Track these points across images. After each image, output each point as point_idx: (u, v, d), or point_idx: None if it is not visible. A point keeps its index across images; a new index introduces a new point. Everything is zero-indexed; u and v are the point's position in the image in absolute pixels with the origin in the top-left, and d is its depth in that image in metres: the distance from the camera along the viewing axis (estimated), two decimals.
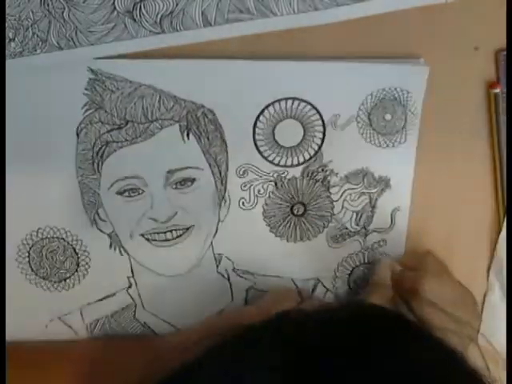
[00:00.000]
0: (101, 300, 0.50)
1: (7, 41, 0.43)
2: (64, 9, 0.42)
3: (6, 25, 0.42)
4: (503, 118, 0.48)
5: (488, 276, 0.54)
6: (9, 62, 0.43)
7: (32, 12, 0.42)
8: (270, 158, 0.48)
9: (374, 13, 0.44)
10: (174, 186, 0.47)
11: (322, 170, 0.49)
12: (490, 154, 0.50)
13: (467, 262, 0.53)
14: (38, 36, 0.43)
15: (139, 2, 0.43)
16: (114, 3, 0.43)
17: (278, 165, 0.48)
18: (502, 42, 0.47)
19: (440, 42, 0.47)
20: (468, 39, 0.47)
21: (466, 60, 0.48)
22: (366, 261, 0.52)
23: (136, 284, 0.50)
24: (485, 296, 0.54)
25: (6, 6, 0.42)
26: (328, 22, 0.44)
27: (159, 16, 0.43)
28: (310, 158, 0.48)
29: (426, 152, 0.49)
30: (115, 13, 0.43)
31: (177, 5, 0.43)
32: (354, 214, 0.50)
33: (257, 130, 0.47)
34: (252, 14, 0.44)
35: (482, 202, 0.52)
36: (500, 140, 0.49)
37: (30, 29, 0.43)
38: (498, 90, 0.48)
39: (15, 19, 0.42)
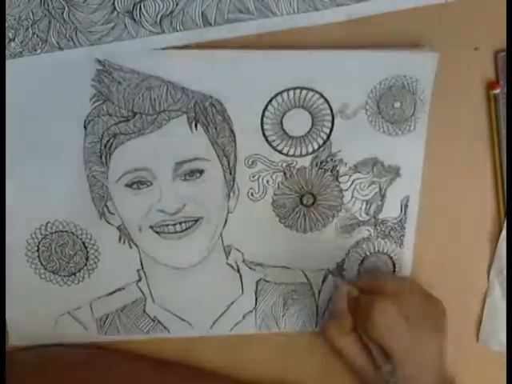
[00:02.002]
0: (110, 294, 0.50)
1: (7, 41, 0.42)
2: (64, 9, 0.42)
3: (6, 25, 0.42)
4: (503, 118, 0.48)
5: (488, 276, 0.54)
6: (9, 62, 0.43)
7: (32, 12, 0.42)
8: (279, 148, 0.48)
9: (373, 13, 0.44)
10: (183, 178, 0.47)
11: (331, 159, 0.49)
12: (490, 154, 0.50)
13: (467, 262, 0.53)
14: (37, 36, 0.43)
15: (139, 2, 0.43)
16: (113, 3, 0.42)
17: (286, 155, 0.48)
18: (502, 42, 0.47)
19: (440, 42, 0.47)
20: (468, 39, 0.47)
21: (466, 60, 0.48)
22: (377, 250, 0.52)
23: (146, 277, 0.50)
24: (485, 296, 0.54)
25: (6, 5, 0.42)
26: (328, 21, 0.44)
27: (159, 16, 0.43)
28: (319, 147, 0.48)
29: (425, 152, 0.49)
30: (115, 13, 0.43)
31: (177, 5, 0.43)
32: (364, 204, 0.50)
33: (265, 119, 0.47)
34: (252, 14, 0.43)
35: (482, 201, 0.52)
36: (500, 140, 0.49)
37: (29, 29, 0.42)
38: (497, 91, 0.48)
39: (15, 19, 0.42)
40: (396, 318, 0.45)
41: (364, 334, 0.46)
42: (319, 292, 0.52)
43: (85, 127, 0.46)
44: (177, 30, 0.43)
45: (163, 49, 0.44)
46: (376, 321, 0.44)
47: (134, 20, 0.43)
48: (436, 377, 0.47)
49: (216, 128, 0.47)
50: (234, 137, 0.47)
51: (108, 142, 0.46)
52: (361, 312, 0.46)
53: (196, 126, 0.46)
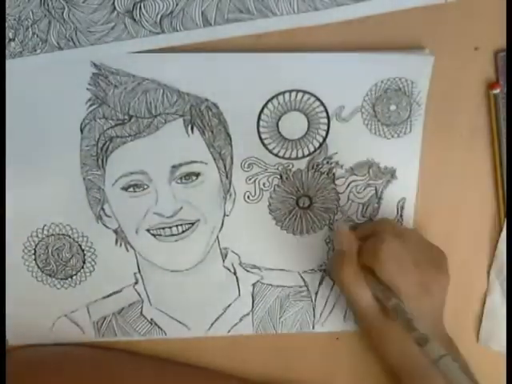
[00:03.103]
0: (107, 297, 0.50)
1: (7, 41, 0.43)
2: (64, 9, 0.42)
3: (6, 25, 0.42)
4: (503, 118, 0.48)
5: (488, 276, 0.54)
6: (9, 62, 0.43)
7: (32, 12, 0.42)
8: (275, 151, 0.48)
9: (373, 13, 0.44)
10: (179, 181, 0.47)
11: (327, 162, 0.49)
12: (490, 154, 0.50)
13: (467, 262, 0.53)
14: (37, 36, 0.43)
15: (139, 1, 0.43)
16: (113, 3, 0.42)
17: (282, 157, 0.48)
18: (502, 42, 0.47)
19: (440, 42, 0.47)
20: (468, 39, 0.47)
21: (466, 60, 0.48)
22: None
23: (143, 280, 0.50)
24: (485, 296, 0.54)
25: (6, 5, 0.42)
26: (328, 21, 0.44)
27: (159, 16, 0.43)
28: (315, 150, 0.48)
29: (425, 152, 0.49)
30: (115, 13, 0.43)
31: (177, 5, 0.43)
32: (360, 206, 0.50)
33: (261, 122, 0.47)
34: (252, 14, 0.43)
35: (482, 202, 0.52)
36: (500, 140, 0.49)
37: (29, 29, 0.42)
38: (497, 91, 0.48)
39: (15, 19, 0.42)
40: (404, 254, 0.45)
41: (371, 272, 0.45)
42: (316, 294, 0.52)
43: (81, 130, 0.46)
44: (177, 30, 0.43)
45: (159, 52, 0.44)
46: (385, 256, 0.44)
47: (134, 20, 0.43)
48: (437, 324, 0.47)
49: (212, 131, 0.47)
50: (230, 140, 0.47)
51: (104, 145, 0.46)
52: (368, 249, 0.46)
53: (192, 129, 0.47)
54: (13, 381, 0.43)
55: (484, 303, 0.54)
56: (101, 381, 0.48)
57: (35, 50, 0.43)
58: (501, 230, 0.52)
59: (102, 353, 0.52)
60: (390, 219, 0.50)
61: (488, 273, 0.54)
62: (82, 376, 0.48)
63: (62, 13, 0.42)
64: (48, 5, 0.42)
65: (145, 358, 0.52)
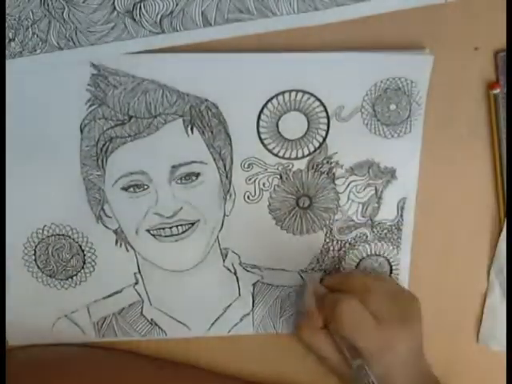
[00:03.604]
0: (108, 297, 0.50)
1: (7, 41, 0.43)
2: (64, 9, 0.42)
3: (6, 25, 0.42)
4: (503, 118, 0.48)
5: (488, 276, 0.54)
6: (9, 62, 0.43)
7: (32, 12, 0.42)
8: (275, 151, 0.48)
9: (373, 13, 0.44)
10: (179, 181, 0.47)
11: (327, 162, 0.49)
12: (490, 154, 0.50)
13: (467, 262, 0.53)
14: (37, 36, 0.43)
15: (139, 1, 0.43)
16: (113, 3, 0.42)
17: (282, 157, 0.48)
18: (502, 42, 0.47)
19: (440, 42, 0.47)
20: (468, 39, 0.47)
21: (466, 60, 0.48)
22: (374, 252, 0.52)
23: (143, 280, 0.50)
24: (485, 296, 0.54)
25: (6, 5, 0.42)
26: (328, 21, 0.44)
27: (159, 16, 0.43)
28: (315, 150, 0.48)
29: (425, 152, 0.49)
30: (115, 13, 0.43)
31: (177, 5, 0.43)
32: (360, 206, 0.50)
33: (261, 122, 0.47)
34: (252, 14, 0.43)
35: (482, 201, 0.52)
36: (500, 140, 0.49)
37: (29, 29, 0.42)
38: (497, 91, 0.48)
39: (15, 19, 0.42)
40: (363, 315, 0.44)
41: (333, 331, 0.46)
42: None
43: (81, 131, 0.46)
44: (177, 30, 0.43)
45: (158, 52, 0.44)
46: (342, 318, 0.44)
47: (134, 20, 0.43)
48: (411, 376, 0.45)
49: (212, 131, 0.47)
50: (230, 140, 0.47)
51: (104, 145, 0.46)
52: (327, 310, 0.45)
53: (192, 129, 0.46)
54: (13, 381, 0.43)
55: (484, 303, 0.54)
56: (101, 381, 0.48)
57: (35, 50, 0.43)
58: (501, 230, 0.52)
59: (102, 353, 0.52)
60: (358, 272, 0.51)
61: (488, 273, 0.54)
62: (83, 376, 0.48)
63: (62, 13, 0.42)
64: (48, 5, 0.42)
65: (145, 358, 0.52)
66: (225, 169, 0.48)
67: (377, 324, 0.44)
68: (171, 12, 0.43)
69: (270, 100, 0.46)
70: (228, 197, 0.49)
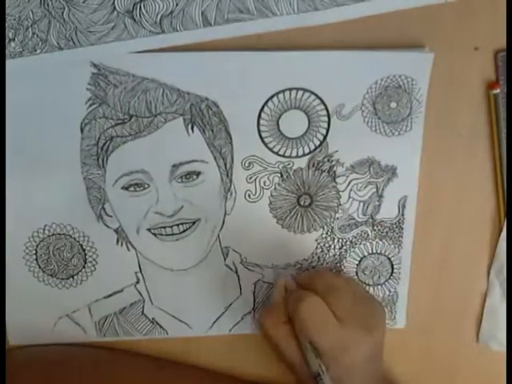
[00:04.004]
0: (109, 296, 0.50)
1: (7, 41, 0.43)
2: (64, 9, 0.42)
3: (6, 25, 0.42)
4: (503, 118, 0.48)
5: (488, 276, 0.54)
6: (9, 62, 0.43)
7: (32, 12, 0.42)
8: (275, 150, 0.48)
9: (373, 13, 0.44)
10: (180, 180, 0.47)
11: (328, 160, 0.49)
12: (490, 154, 0.50)
13: (467, 262, 0.53)
14: (37, 36, 0.43)
15: (139, 1, 0.43)
16: (114, 3, 0.42)
17: (283, 156, 0.48)
18: (502, 42, 0.47)
19: (440, 41, 0.47)
20: (468, 39, 0.47)
21: (466, 60, 0.48)
22: (375, 251, 0.52)
23: (144, 279, 0.50)
24: (485, 296, 0.54)
25: (6, 5, 0.42)
26: (328, 21, 0.44)
27: (159, 16, 0.43)
28: (316, 148, 0.48)
29: (425, 152, 0.49)
30: (115, 13, 0.43)
31: (177, 5, 0.43)
32: (361, 204, 0.50)
33: (261, 121, 0.47)
34: (252, 14, 0.43)
35: (482, 201, 0.52)
36: (500, 140, 0.49)
37: (30, 29, 0.42)
38: (497, 91, 0.48)
39: (15, 19, 0.42)
40: (325, 314, 0.44)
41: (295, 329, 0.45)
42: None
43: (81, 130, 0.46)
44: (177, 30, 0.43)
45: (159, 51, 0.44)
46: (303, 316, 0.43)
47: (134, 20, 0.43)
48: (368, 380, 0.45)
49: (212, 130, 0.47)
50: (231, 138, 0.47)
51: (104, 144, 0.46)
52: (290, 306, 0.45)
53: (192, 128, 0.46)
54: (13, 380, 0.43)
55: (484, 303, 0.54)
56: (102, 381, 0.48)
57: (35, 50, 0.43)
58: (501, 230, 0.52)
59: (104, 352, 0.52)
60: (324, 271, 0.50)
61: (488, 273, 0.54)
62: (83, 376, 0.48)
63: (62, 13, 0.42)
64: (48, 5, 0.42)
65: (146, 358, 0.52)
66: (225, 167, 0.48)
67: (338, 324, 0.43)
68: (171, 12, 0.43)
69: (270, 98, 0.46)
70: (229, 195, 0.49)
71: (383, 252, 0.52)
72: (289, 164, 0.48)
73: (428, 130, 0.49)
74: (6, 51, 0.43)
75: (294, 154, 0.48)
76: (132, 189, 0.47)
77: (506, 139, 0.49)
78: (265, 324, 0.47)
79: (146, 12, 0.43)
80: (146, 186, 0.47)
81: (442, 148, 0.50)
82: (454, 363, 0.55)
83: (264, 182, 0.49)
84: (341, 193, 0.50)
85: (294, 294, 0.46)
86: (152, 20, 0.43)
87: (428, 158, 0.49)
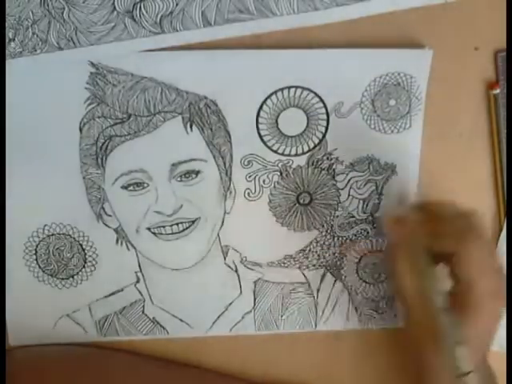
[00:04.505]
0: (109, 296, 0.50)
1: (7, 41, 0.43)
2: (64, 9, 0.42)
3: (6, 25, 0.42)
4: (503, 118, 0.48)
5: None
6: (9, 62, 0.43)
7: (32, 12, 0.42)
8: (275, 148, 0.48)
9: (373, 13, 0.44)
10: (179, 179, 0.47)
11: (327, 158, 0.49)
12: (490, 154, 0.50)
13: None
14: (37, 36, 0.43)
15: (139, 1, 0.43)
16: (113, 3, 0.43)
17: (282, 154, 0.48)
18: (502, 42, 0.47)
19: (440, 42, 0.47)
20: (468, 39, 0.47)
21: (466, 60, 0.48)
22: (374, 249, 0.52)
23: (144, 278, 0.50)
24: None
25: (6, 5, 0.42)
26: (328, 21, 0.44)
27: (159, 16, 0.43)
28: (315, 146, 0.48)
29: (425, 152, 0.49)
30: (115, 13, 0.43)
31: (177, 5, 0.43)
32: (361, 202, 0.50)
33: (260, 119, 0.47)
34: (252, 14, 0.43)
35: (482, 201, 0.52)
36: (500, 140, 0.49)
37: (29, 29, 0.43)
38: (497, 91, 0.48)
39: (15, 19, 0.42)
40: (491, 257, 0.42)
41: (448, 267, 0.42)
42: (318, 291, 0.52)
43: (80, 130, 0.46)
44: (177, 30, 0.43)
45: (157, 50, 0.44)
46: (473, 254, 0.41)
47: (134, 20, 0.43)
48: (485, 350, 0.44)
49: (211, 129, 0.47)
50: (230, 137, 0.47)
51: (103, 144, 0.46)
52: (451, 240, 0.42)
53: (191, 126, 0.47)
54: (14, 380, 0.43)
55: None
56: (102, 381, 0.48)
57: (35, 50, 0.43)
58: (501, 230, 0.52)
59: (104, 352, 0.52)
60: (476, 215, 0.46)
61: None
62: (84, 376, 0.48)
63: (62, 13, 0.42)
64: (48, 5, 0.42)
65: (146, 357, 0.52)
66: (225, 166, 0.48)
67: (495, 273, 0.42)
68: (171, 12, 0.43)
69: (269, 97, 0.46)
70: (228, 194, 0.49)
71: (383, 250, 0.52)
72: (288, 162, 0.48)
73: (428, 130, 0.49)
74: (6, 51, 0.43)
75: (293, 152, 0.48)
76: (131, 188, 0.47)
77: (506, 139, 0.49)
78: (393, 266, 0.43)
79: (146, 12, 0.43)
80: (146, 185, 0.47)
81: (441, 148, 0.50)
82: None
83: (263, 181, 0.49)
84: (340, 191, 0.50)
85: (457, 223, 0.42)
86: (152, 20, 0.43)
87: (428, 157, 0.49)
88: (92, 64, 0.44)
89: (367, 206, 0.50)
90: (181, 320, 0.52)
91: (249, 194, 0.49)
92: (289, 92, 0.46)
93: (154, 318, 0.51)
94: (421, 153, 0.49)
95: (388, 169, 0.49)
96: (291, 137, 0.48)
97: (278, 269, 0.51)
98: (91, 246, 0.49)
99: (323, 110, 0.47)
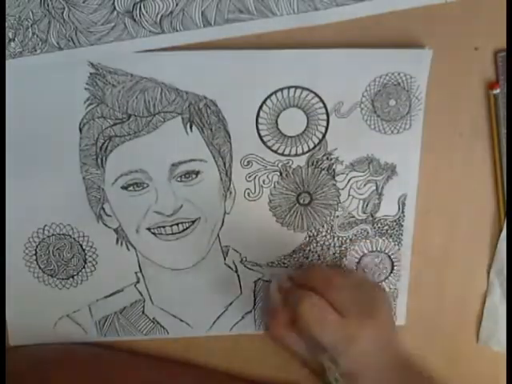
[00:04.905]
0: (109, 296, 0.50)
1: (7, 41, 0.43)
2: (64, 9, 0.42)
3: (6, 25, 0.42)
4: (503, 118, 0.48)
5: (488, 276, 0.54)
6: (9, 62, 0.43)
7: (32, 12, 0.42)
8: (274, 148, 0.48)
9: (373, 13, 0.45)
10: (179, 179, 0.47)
11: (327, 158, 0.49)
12: (490, 154, 0.50)
13: (467, 262, 0.53)
14: (37, 36, 0.43)
15: (139, 1, 0.43)
16: (113, 3, 0.43)
17: (282, 154, 0.48)
18: (502, 42, 0.47)
19: (440, 42, 0.47)
20: (468, 39, 0.47)
21: (466, 60, 0.48)
22: (375, 249, 0.52)
23: (144, 279, 0.50)
24: (485, 296, 0.54)
25: (6, 5, 0.42)
26: (328, 21, 0.44)
27: (159, 16, 0.43)
28: (315, 146, 0.48)
29: (426, 152, 0.49)
30: (115, 13, 0.43)
31: (177, 5, 0.43)
32: (361, 202, 0.50)
33: (260, 119, 0.47)
34: (252, 14, 0.43)
35: (482, 201, 0.52)
36: (500, 140, 0.49)
37: (30, 29, 0.43)
38: (497, 91, 0.48)
39: (15, 19, 0.42)
40: (325, 311, 0.43)
41: (299, 328, 0.45)
42: None
43: (80, 130, 0.46)
44: (177, 30, 0.43)
45: (157, 50, 0.44)
46: (305, 316, 0.43)
47: (134, 20, 0.43)
48: (383, 363, 0.45)
49: (211, 129, 0.47)
50: (230, 137, 0.47)
51: (103, 144, 0.46)
52: (291, 308, 0.45)
53: (191, 127, 0.46)
54: (14, 380, 0.43)
55: (484, 303, 0.54)
56: (102, 380, 0.48)
57: (35, 50, 0.43)
58: (501, 230, 0.52)
59: (104, 352, 0.52)
60: (319, 266, 0.50)
61: (488, 273, 0.54)
62: (84, 376, 0.48)
63: (62, 13, 0.42)
64: (48, 5, 0.42)
65: (146, 357, 0.52)
66: (224, 166, 0.48)
67: (340, 318, 0.43)
68: (171, 12, 0.43)
69: (268, 97, 0.46)
70: (228, 194, 0.49)
71: (383, 250, 0.52)
72: (288, 162, 0.48)
73: (428, 130, 0.49)
74: (6, 51, 0.43)
75: (293, 152, 0.48)
76: (131, 188, 0.47)
77: (505, 139, 0.49)
78: (273, 332, 0.47)
79: (146, 12, 0.43)
80: (145, 185, 0.47)
81: (441, 147, 0.50)
82: (454, 363, 0.55)
83: (263, 181, 0.49)
84: (340, 191, 0.50)
85: (293, 295, 0.46)
86: (152, 20, 0.43)
87: (428, 157, 0.49)
88: (92, 64, 0.44)
89: (367, 206, 0.50)
90: (181, 320, 0.52)
91: (249, 194, 0.49)
92: (289, 92, 0.46)
93: (154, 318, 0.51)
94: (421, 153, 0.49)
95: (388, 169, 0.49)
96: (291, 137, 0.48)
97: (278, 269, 0.51)
98: (91, 247, 0.49)
99: (323, 110, 0.47)
